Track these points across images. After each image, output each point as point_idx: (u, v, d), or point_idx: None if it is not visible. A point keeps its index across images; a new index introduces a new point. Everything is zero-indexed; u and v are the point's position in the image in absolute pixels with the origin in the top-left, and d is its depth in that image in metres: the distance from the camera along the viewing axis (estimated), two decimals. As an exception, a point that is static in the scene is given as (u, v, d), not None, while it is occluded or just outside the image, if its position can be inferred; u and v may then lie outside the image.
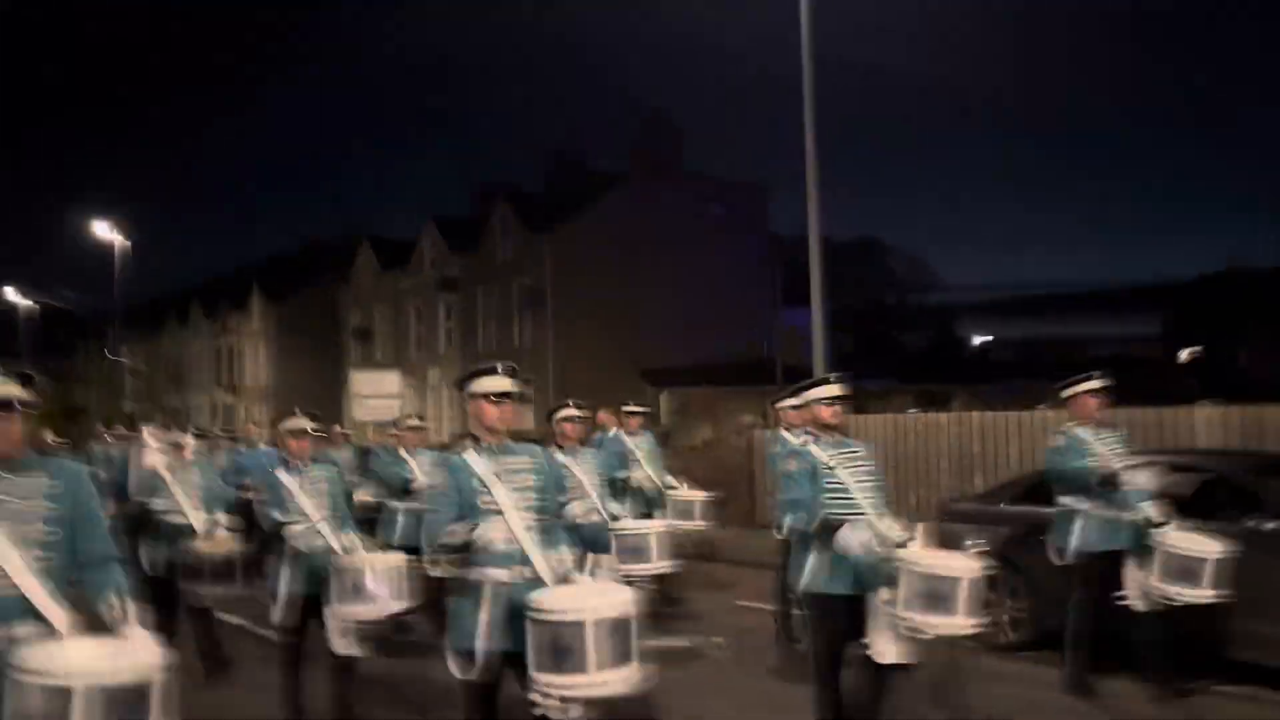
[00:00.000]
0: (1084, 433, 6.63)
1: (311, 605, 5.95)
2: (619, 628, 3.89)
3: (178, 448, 8.04)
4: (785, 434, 8.02)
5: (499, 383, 4.44)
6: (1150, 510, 6.27)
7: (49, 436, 14.22)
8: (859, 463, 5.29)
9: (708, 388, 29.86)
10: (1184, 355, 53.69)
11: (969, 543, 6.02)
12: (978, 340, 59.30)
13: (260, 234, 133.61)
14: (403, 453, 9.43)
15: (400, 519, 8.94)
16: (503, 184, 37.50)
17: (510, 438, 4.52)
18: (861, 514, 5.06)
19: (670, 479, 9.82)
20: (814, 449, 5.28)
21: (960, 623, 4.91)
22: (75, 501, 3.54)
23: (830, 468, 5.20)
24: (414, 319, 39.57)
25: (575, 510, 6.57)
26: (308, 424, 6.40)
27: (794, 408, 7.51)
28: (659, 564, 7.80)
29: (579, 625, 3.84)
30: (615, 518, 7.90)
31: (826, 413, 5.36)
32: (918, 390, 33.33)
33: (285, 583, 6.06)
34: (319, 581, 5.89)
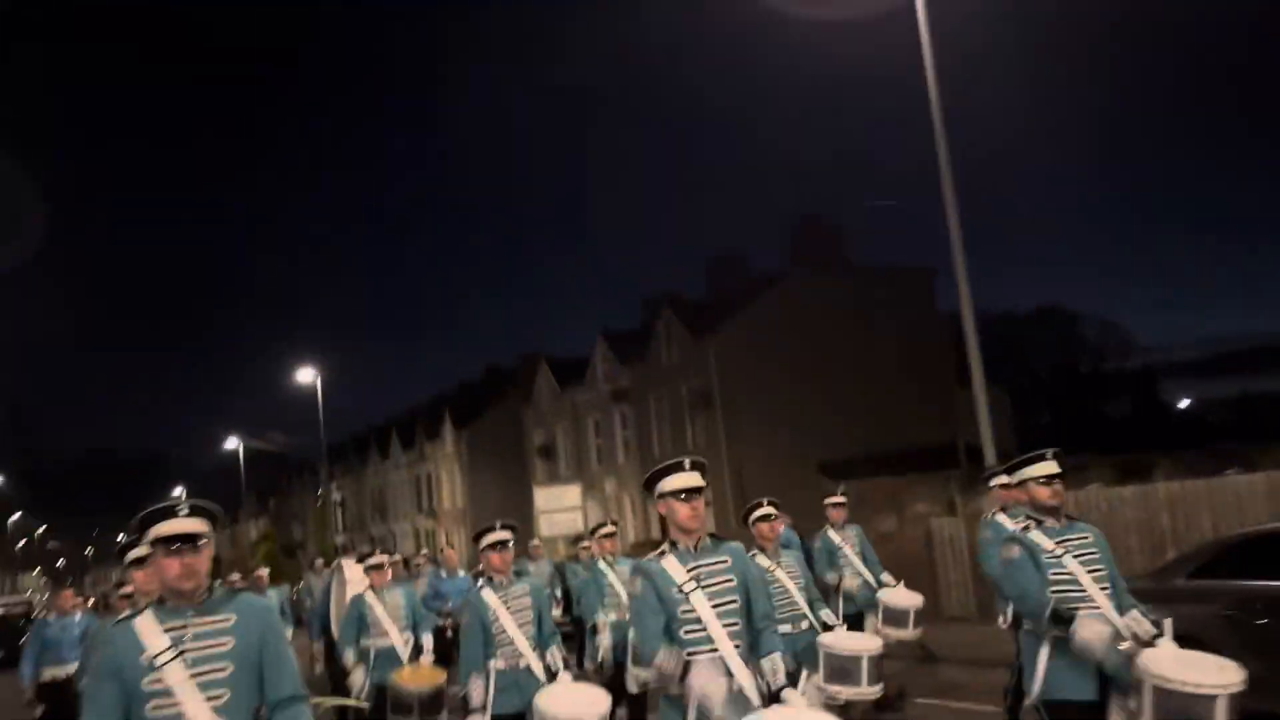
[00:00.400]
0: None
1: None
2: None
3: (379, 569, 7.96)
4: (1000, 517, 7.46)
5: (687, 479, 4.17)
6: None
7: (263, 574, 15.26)
8: (1088, 549, 4.77)
9: (887, 477, 29.21)
10: None
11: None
12: (1183, 403, 55.75)
13: (449, 364, 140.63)
14: (602, 564, 8.97)
15: (608, 634, 8.34)
16: (666, 291, 38.35)
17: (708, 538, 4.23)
18: (1095, 607, 4.55)
19: (886, 576, 9.08)
20: (1035, 534, 4.80)
21: None
22: (262, 640, 3.49)
23: (1055, 555, 4.70)
24: (592, 432, 40.51)
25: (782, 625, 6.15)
26: (507, 534, 5.99)
27: (1006, 486, 6.90)
28: (868, 690, 6.75)
29: None
30: (826, 626, 6.99)
31: (1045, 493, 4.86)
32: (1117, 461, 31.58)
33: (488, 706, 5.65)
34: (524, 706, 5.54)
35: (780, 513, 7.34)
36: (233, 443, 55.38)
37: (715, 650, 3.91)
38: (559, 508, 30.07)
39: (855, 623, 8.28)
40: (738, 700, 3.83)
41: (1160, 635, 4.44)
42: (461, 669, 5.76)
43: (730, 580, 4.08)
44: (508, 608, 5.74)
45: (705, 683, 3.83)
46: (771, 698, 3.87)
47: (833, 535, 9.17)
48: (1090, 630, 4.38)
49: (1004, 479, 7.13)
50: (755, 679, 3.92)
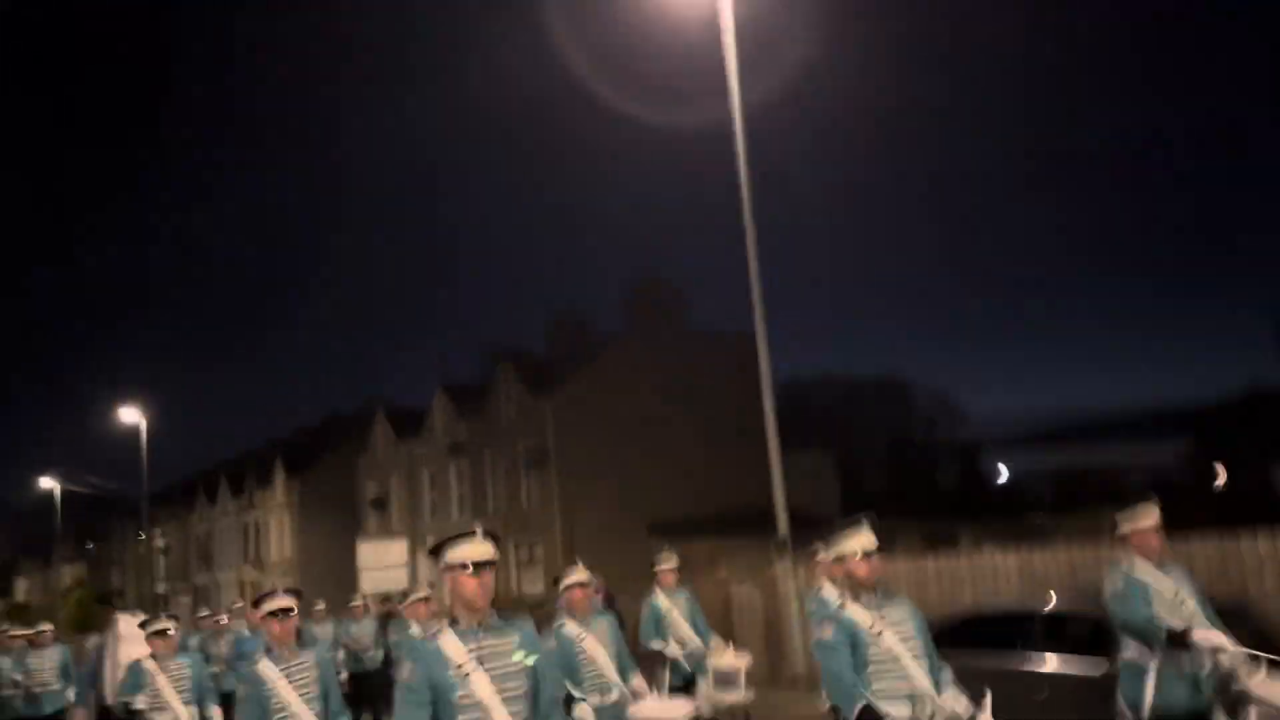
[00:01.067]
0: (1144, 574, 5.54)
1: None
2: None
3: (162, 635, 7.28)
4: (826, 591, 7.40)
5: (478, 550, 3.78)
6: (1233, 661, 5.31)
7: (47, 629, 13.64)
8: (904, 622, 4.68)
9: (709, 539, 29.75)
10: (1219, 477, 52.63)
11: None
12: (1003, 475, 58.58)
13: (283, 409, 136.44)
14: (415, 629, 8.77)
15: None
16: (507, 347, 38.39)
17: (496, 613, 3.88)
18: (910, 684, 4.49)
19: (715, 640, 8.80)
20: (853, 609, 4.68)
21: None
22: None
23: (874, 632, 4.58)
24: (427, 485, 39.98)
25: (588, 702, 6.01)
26: (290, 601, 5.55)
27: (831, 561, 6.37)
28: None
29: None
30: (637, 694, 6.68)
31: (862, 569, 4.75)
32: (926, 529, 32.95)
33: None
34: None
35: (594, 578, 7.16)
36: (47, 482, 52.58)
37: None
38: (382, 564, 29.43)
39: (686, 690, 8.02)
40: None
41: (980, 713, 4.45)
42: None
43: (517, 664, 3.74)
44: (290, 680, 5.30)
45: None
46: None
47: (661, 600, 8.75)
48: None
49: (822, 556, 7.16)
50: None
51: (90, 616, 46.60)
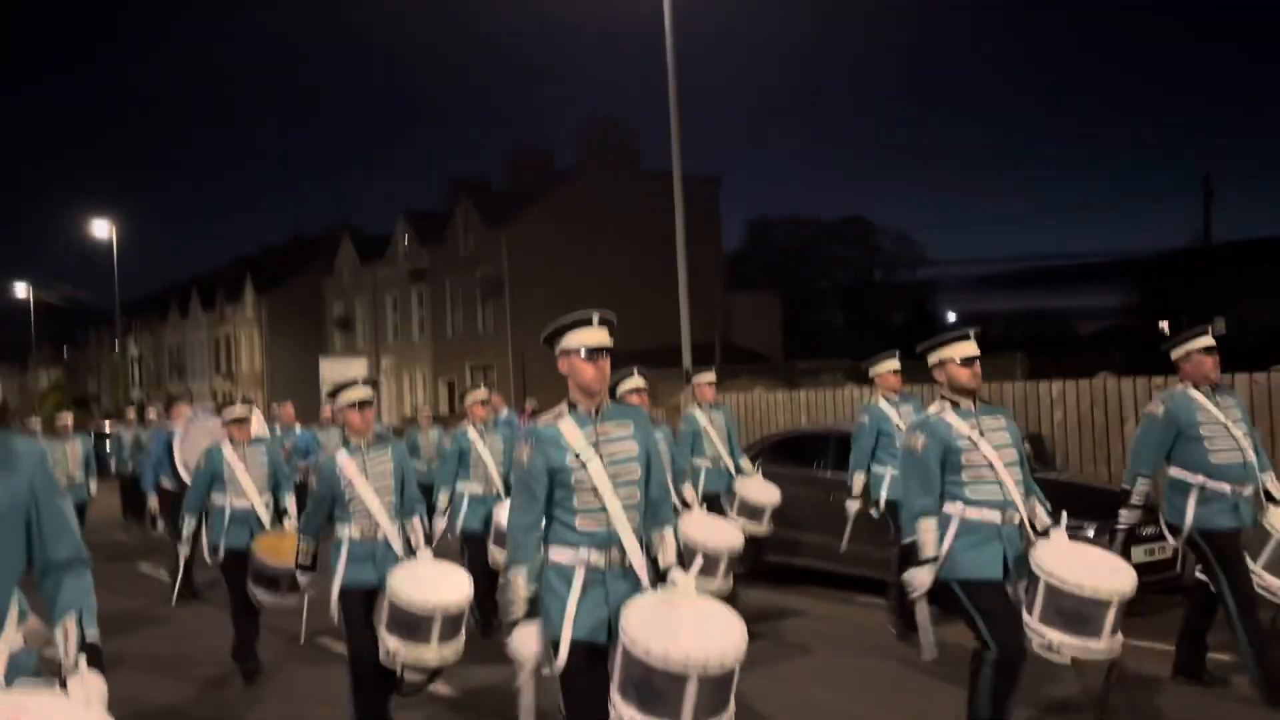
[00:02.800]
0: (1197, 394, 5.68)
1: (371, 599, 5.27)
2: (723, 682, 3.32)
3: (241, 423, 7.07)
4: (883, 403, 7.74)
5: (596, 335, 3.72)
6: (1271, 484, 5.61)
7: (68, 420, 13.66)
8: (1000, 431, 4.69)
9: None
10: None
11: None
12: (950, 316, 60.70)
13: (254, 226, 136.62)
14: (471, 432, 8.27)
15: (466, 506, 8.06)
16: (470, 178, 39.38)
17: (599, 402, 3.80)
18: (1005, 500, 4.56)
19: (745, 462, 8.88)
20: (951, 417, 4.67)
21: (1099, 646, 4.43)
22: (32, 491, 2.70)
23: (972, 443, 4.59)
24: (390, 308, 41.63)
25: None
26: (369, 393, 5.51)
27: (934, 366, 5.63)
28: (723, 583, 6.71)
29: (682, 679, 3.25)
30: (686, 505, 7.38)
31: (964, 374, 4.70)
32: (847, 365, 34.94)
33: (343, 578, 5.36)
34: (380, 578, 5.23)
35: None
36: (22, 290, 53.71)
37: (608, 524, 3.64)
38: (342, 380, 31.35)
39: (710, 505, 8.14)
40: (627, 577, 3.64)
41: (1056, 525, 4.59)
42: (300, 534, 5.69)
43: (632, 448, 3.74)
44: (366, 474, 5.32)
45: (590, 554, 3.64)
46: (659, 577, 3.68)
47: (699, 416, 8.64)
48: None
49: (887, 365, 7.74)
50: (644, 560, 3.67)
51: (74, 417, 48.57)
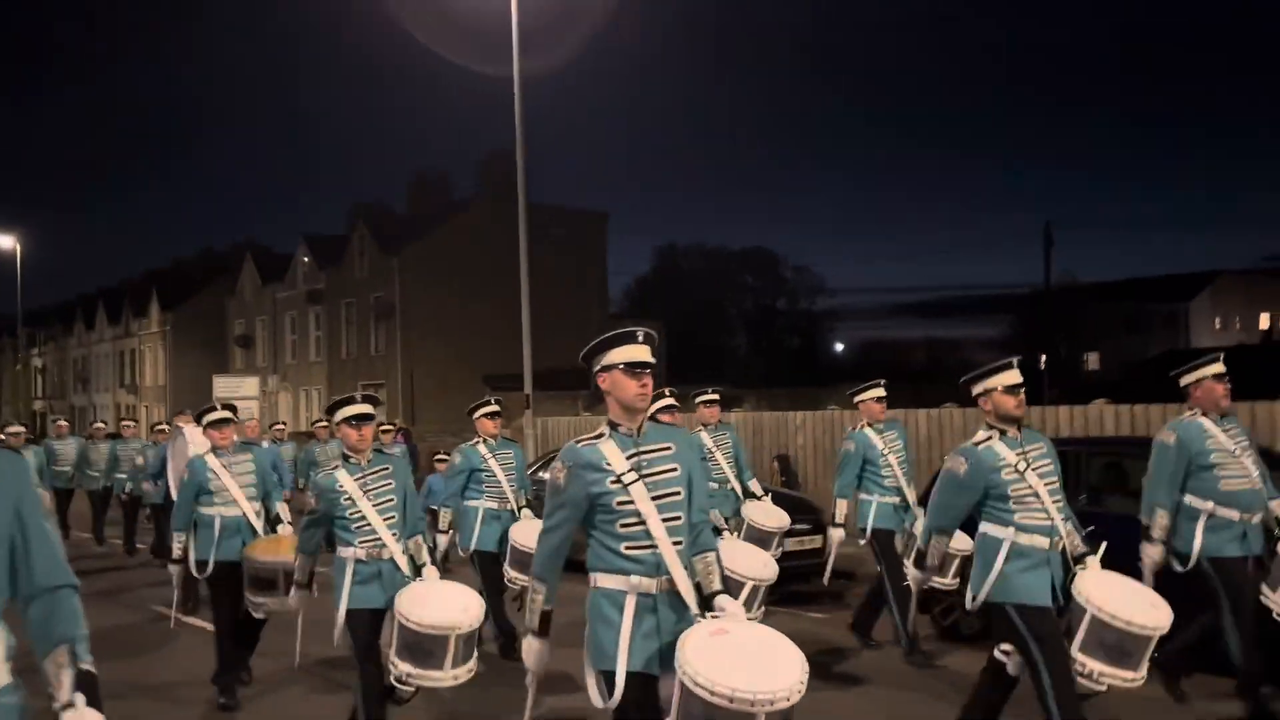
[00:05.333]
0: (1207, 422, 5.66)
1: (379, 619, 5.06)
2: (786, 714, 3.13)
3: (222, 425, 6.76)
4: (869, 431, 7.62)
5: (639, 351, 3.58)
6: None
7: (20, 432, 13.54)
8: (1044, 459, 4.74)
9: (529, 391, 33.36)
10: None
11: None
12: (838, 346, 63.38)
13: (169, 238, 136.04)
14: (482, 447, 7.92)
15: (481, 525, 7.68)
16: (371, 203, 40.85)
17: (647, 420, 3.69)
18: (1051, 527, 4.59)
19: (754, 484, 8.46)
20: (998, 445, 4.71)
21: (1136, 677, 4.45)
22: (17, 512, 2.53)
23: (1017, 469, 4.64)
24: (289, 328, 42.82)
25: None
26: (369, 408, 5.26)
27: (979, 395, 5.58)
28: (755, 614, 6.13)
29: (749, 718, 3.06)
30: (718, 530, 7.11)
31: (1009, 402, 4.76)
32: (726, 393, 36.81)
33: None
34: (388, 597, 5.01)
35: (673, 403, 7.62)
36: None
37: (654, 548, 3.46)
38: (235, 397, 32.67)
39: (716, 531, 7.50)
40: (675, 605, 3.48)
41: (1092, 554, 4.60)
42: (299, 552, 5.45)
43: (675, 470, 3.57)
44: (366, 490, 5.11)
45: (641, 581, 3.49)
46: (704, 602, 3.51)
47: (704, 439, 8.21)
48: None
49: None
50: (690, 586, 3.52)
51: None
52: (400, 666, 4.78)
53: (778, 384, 45.08)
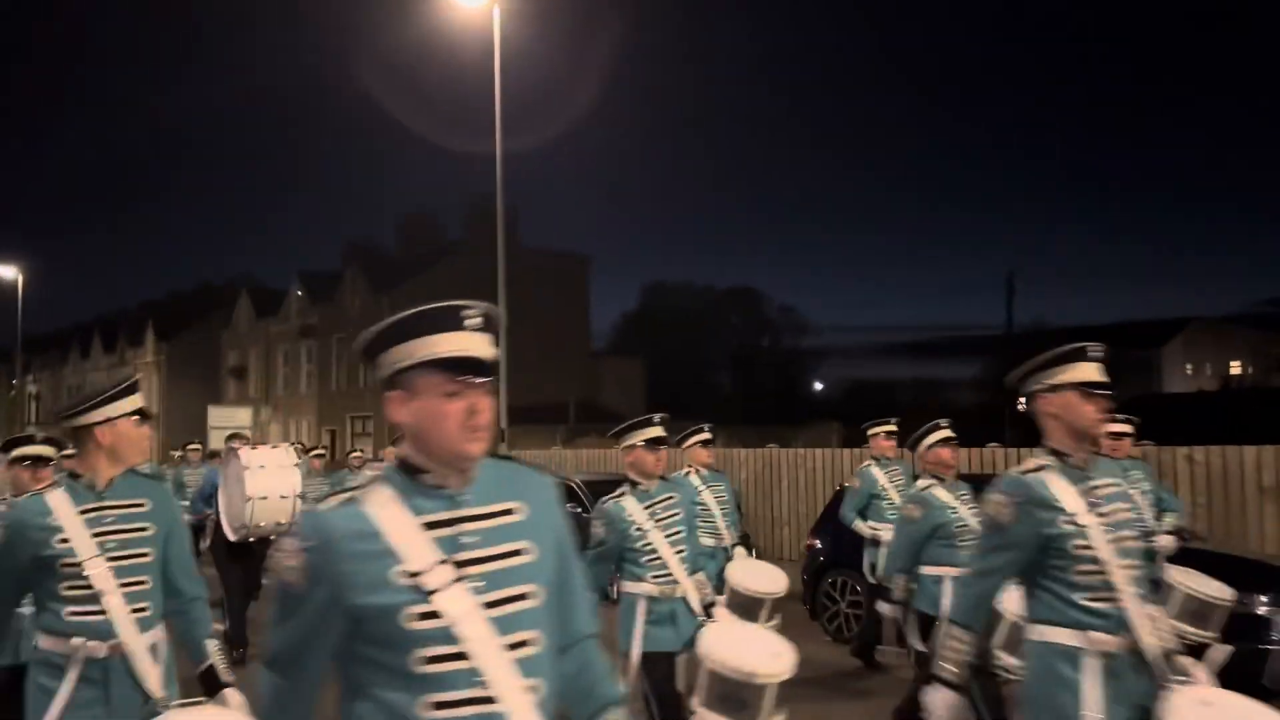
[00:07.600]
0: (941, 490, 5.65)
1: None
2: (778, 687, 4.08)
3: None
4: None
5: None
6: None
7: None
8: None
9: (512, 426, 34.66)
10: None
11: None
12: (817, 385, 64.70)
13: (169, 270, 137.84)
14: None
15: None
16: (365, 242, 42.27)
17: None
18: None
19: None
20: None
21: None
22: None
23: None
24: (281, 361, 44.14)
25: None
26: (663, 431, 4.97)
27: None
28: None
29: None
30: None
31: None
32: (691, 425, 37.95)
33: None
34: None
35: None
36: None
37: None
38: (228, 426, 33.95)
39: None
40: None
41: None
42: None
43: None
44: (656, 521, 4.75)
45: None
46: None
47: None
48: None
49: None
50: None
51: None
52: (708, 719, 4.28)
53: (755, 421, 46.19)
